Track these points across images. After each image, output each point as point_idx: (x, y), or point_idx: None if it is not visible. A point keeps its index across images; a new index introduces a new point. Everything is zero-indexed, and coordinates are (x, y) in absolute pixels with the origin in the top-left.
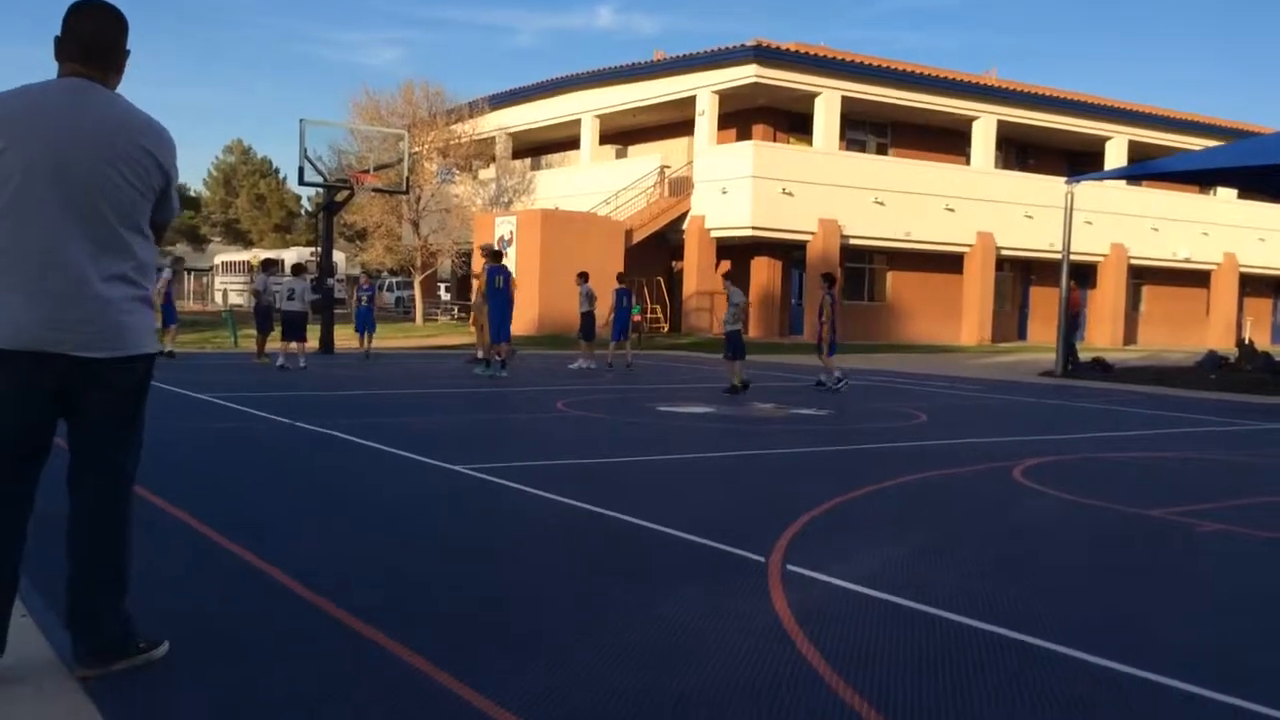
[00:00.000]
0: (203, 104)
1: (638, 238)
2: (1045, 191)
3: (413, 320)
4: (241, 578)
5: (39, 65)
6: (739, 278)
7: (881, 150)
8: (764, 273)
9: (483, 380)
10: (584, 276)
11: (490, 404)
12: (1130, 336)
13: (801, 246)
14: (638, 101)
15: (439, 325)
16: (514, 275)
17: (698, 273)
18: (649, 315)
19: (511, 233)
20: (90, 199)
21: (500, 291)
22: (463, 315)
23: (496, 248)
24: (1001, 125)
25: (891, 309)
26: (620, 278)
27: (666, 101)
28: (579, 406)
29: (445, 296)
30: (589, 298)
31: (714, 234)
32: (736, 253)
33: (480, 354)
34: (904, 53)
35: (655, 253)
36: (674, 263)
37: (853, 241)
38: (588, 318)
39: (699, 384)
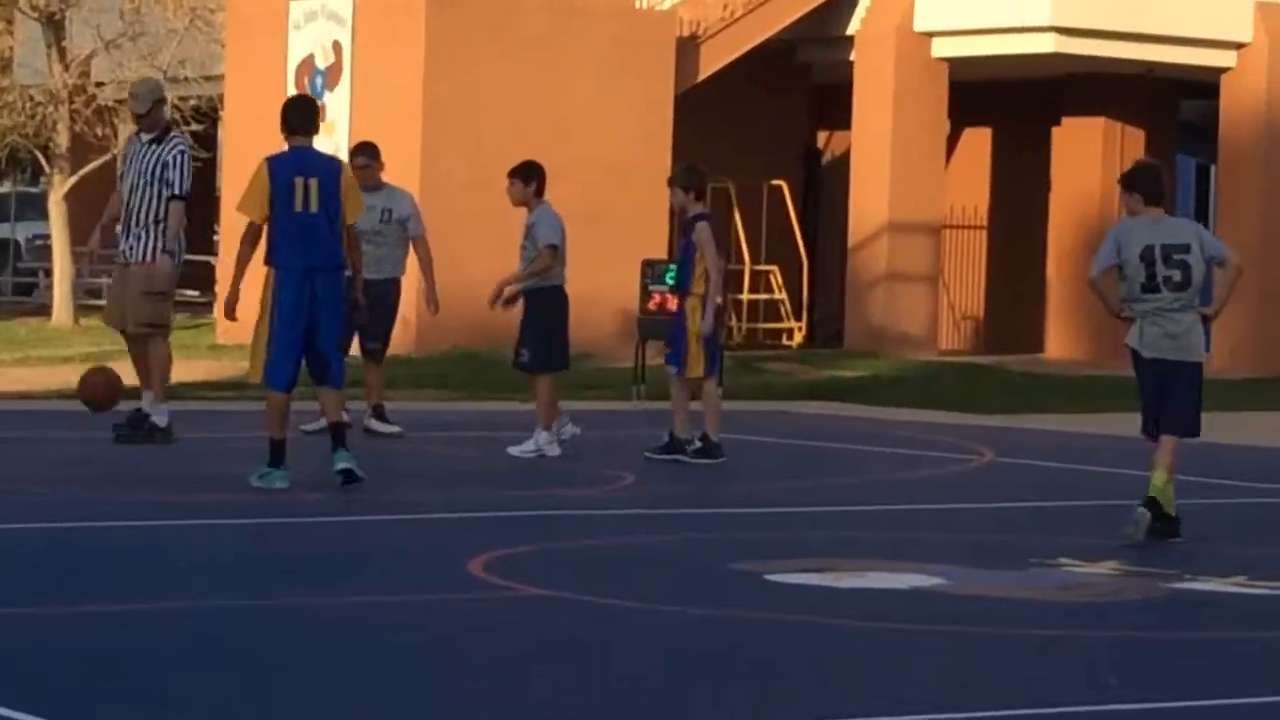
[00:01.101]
0: None
1: (712, 63)
2: None
3: (48, 315)
4: None
5: None
6: (1024, 173)
7: None
8: (1081, 161)
9: (263, 495)
10: (531, 177)
11: (273, 580)
12: None
13: (1205, 84)
14: None
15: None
16: (344, 173)
17: (891, 166)
18: (750, 295)
19: (336, 45)
20: None
21: (311, 232)
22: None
23: (301, 101)
24: None
25: None
26: (691, 179)
27: None
28: (530, 576)
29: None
30: (548, 235)
31: (940, 48)
32: (998, 104)
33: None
34: None
35: (765, 109)
36: (820, 135)
37: None
38: (541, 304)
39: (900, 495)
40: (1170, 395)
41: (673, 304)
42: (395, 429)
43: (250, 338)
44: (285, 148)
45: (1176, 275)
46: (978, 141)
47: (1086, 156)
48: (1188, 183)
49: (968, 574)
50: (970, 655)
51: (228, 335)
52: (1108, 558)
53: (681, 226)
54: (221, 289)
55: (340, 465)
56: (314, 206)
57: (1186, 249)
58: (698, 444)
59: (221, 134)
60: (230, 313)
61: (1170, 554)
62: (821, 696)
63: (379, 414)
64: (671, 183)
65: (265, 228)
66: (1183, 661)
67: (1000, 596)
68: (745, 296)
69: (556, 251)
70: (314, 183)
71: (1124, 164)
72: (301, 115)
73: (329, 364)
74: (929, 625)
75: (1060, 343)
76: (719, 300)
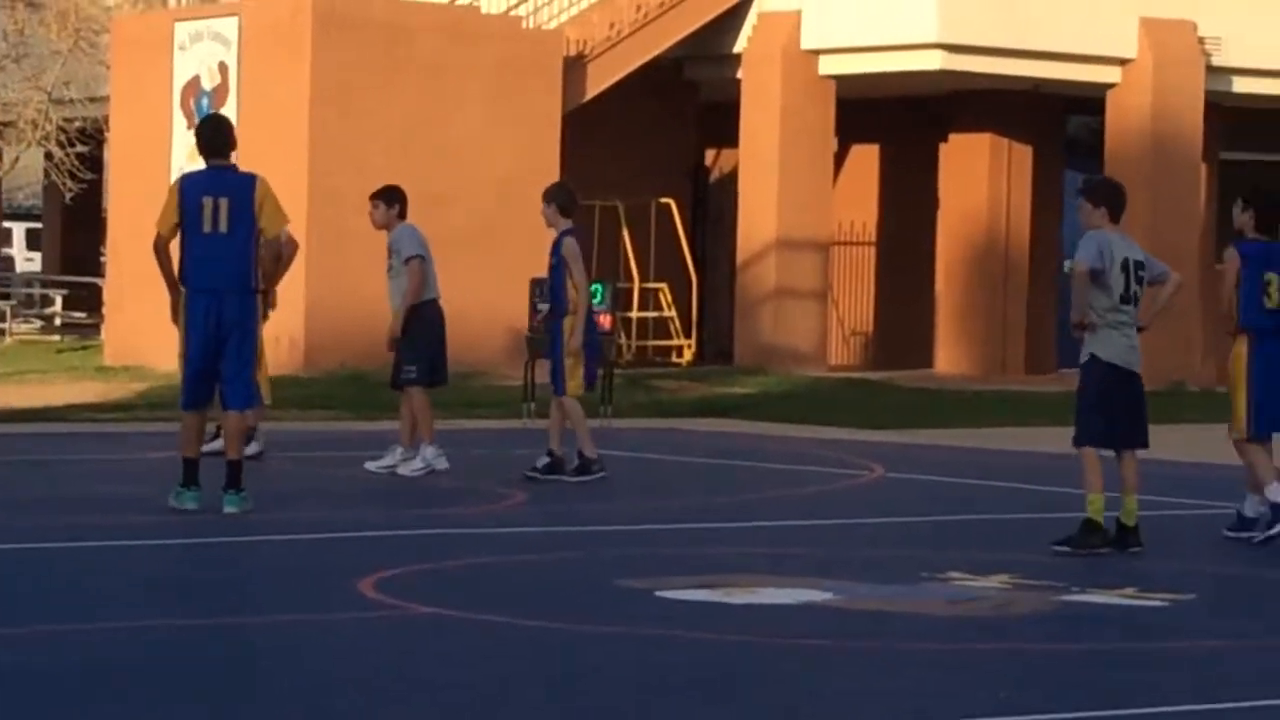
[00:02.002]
0: None
1: (600, 82)
2: None
3: None
4: None
5: None
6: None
7: None
8: (969, 177)
9: (149, 517)
10: (394, 200)
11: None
12: None
13: (1090, 100)
14: None
15: (23, 348)
16: (259, 186)
17: (779, 183)
18: (638, 313)
19: (222, 66)
20: None
21: (203, 248)
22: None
23: (213, 120)
24: None
25: None
26: (561, 197)
27: None
28: (415, 593)
29: (25, 260)
30: (411, 247)
31: (827, 66)
32: (885, 121)
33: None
34: None
35: (654, 128)
36: (708, 153)
37: (1239, 81)
38: (422, 321)
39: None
40: (1134, 408)
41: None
42: (254, 450)
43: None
44: (172, 169)
45: (1140, 291)
46: (866, 158)
47: (974, 172)
48: (1074, 199)
49: (858, 589)
50: (861, 669)
51: (116, 357)
52: (998, 571)
53: (552, 245)
54: (109, 310)
55: (227, 509)
56: (224, 227)
57: (1144, 266)
58: (575, 462)
59: (107, 155)
60: (176, 316)
61: (1062, 567)
62: (710, 712)
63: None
64: (544, 198)
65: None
66: (1071, 673)
67: (891, 611)
68: (635, 314)
69: (425, 262)
70: (224, 202)
71: (1011, 179)
72: (213, 135)
73: (232, 385)
74: (819, 640)
75: (949, 358)
76: (604, 316)
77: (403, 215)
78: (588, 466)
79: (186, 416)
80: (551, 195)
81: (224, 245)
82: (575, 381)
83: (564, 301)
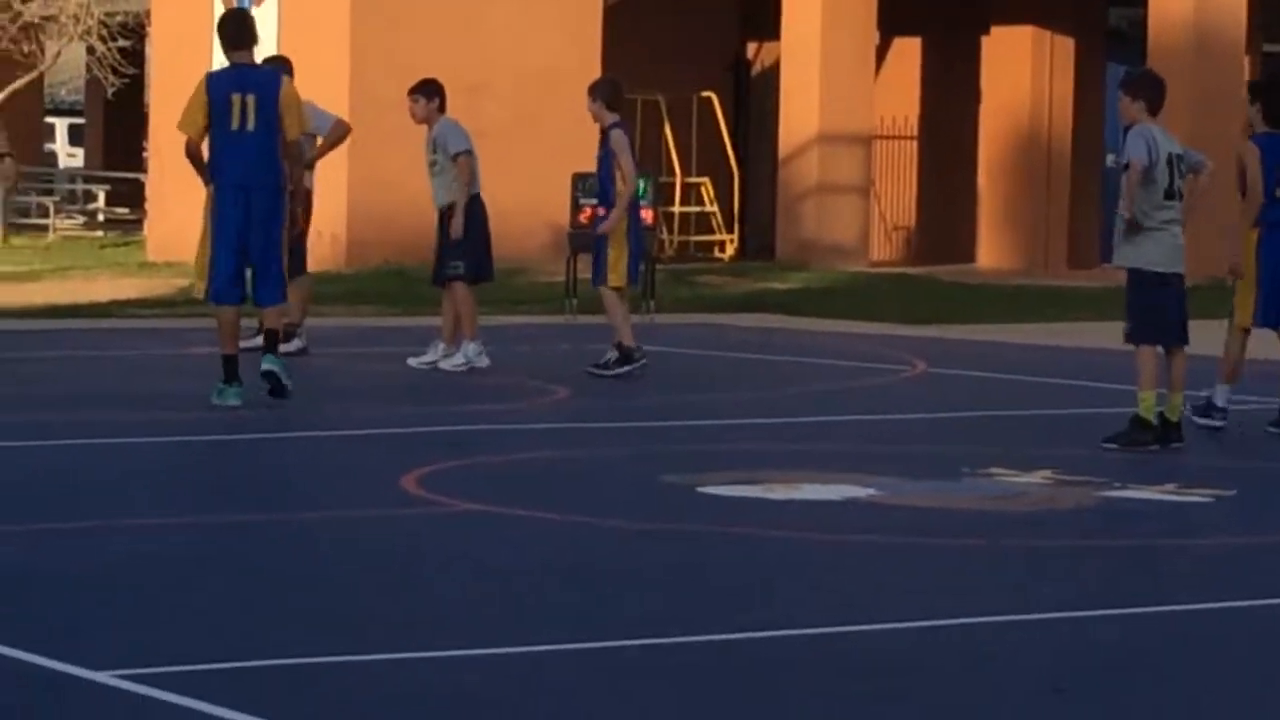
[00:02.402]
0: None
1: None
2: None
3: None
4: None
5: None
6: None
7: None
8: (1011, 70)
9: (195, 413)
10: (434, 94)
11: (193, 489)
12: None
13: None
14: None
15: (66, 244)
16: (284, 88)
17: (821, 77)
18: (680, 208)
19: None
20: None
21: (248, 153)
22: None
23: (235, 15)
24: None
25: None
26: (608, 91)
27: None
28: (459, 491)
29: (68, 156)
30: (459, 143)
31: None
32: (927, 13)
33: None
34: None
35: (695, 21)
36: (749, 46)
37: None
38: (467, 216)
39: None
40: (1180, 309)
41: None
42: (297, 346)
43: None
44: (213, 63)
45: (1181, 185)
46: (908, 51)
47: (1016, 66)
48: (1115, 92)
49: (900, 485)
50: (903, 565)
51: (158, 252)
52: (1040, 467)
53: (600, 138)
54: (152, 206)
55: (265, 366)
56: (251, 124)
57: (1183, 159)
58: (613, 354)
59: (149, 50)
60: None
61: (1104, 463)
62: (757, 606)
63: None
64: (589, 93)
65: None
66: (1112, 569)
67: (932, 506)
68: (677, 209)
69: (473, 157)
70: (251, 99)
71: (1053, 73)
72: (236, 30)
73: (263, 281)
74: (862, 535)
75: (992, 253)
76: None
77: (442, 109)
78: (629, 355)
79: (222, 312)
80: (598, 90)
81: (252, 141)
82: (617, 272)
83: (613, 194)
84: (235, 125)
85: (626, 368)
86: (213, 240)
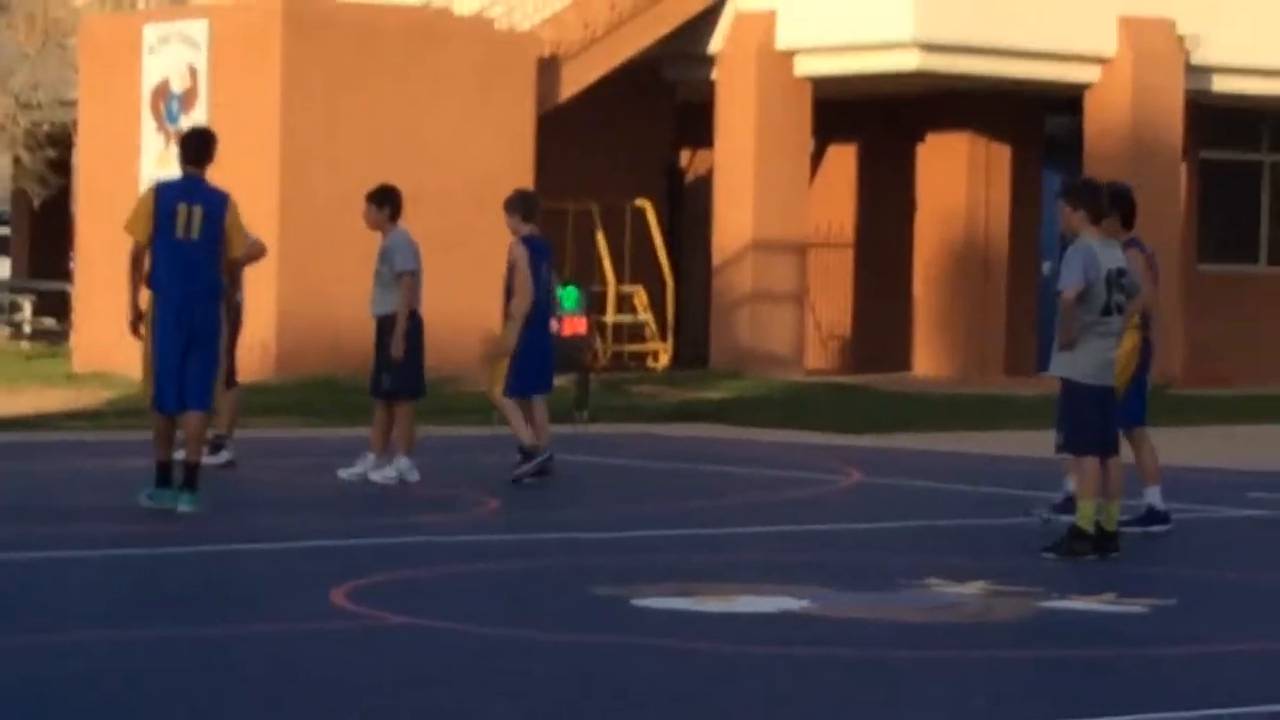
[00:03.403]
0: None
1: (575, 83)
2: None
3: None
4: None
5: None
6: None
7: None
8: (947, 178)
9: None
10: (385, 202)
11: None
12: None
13: (1069, 99)
14: None
15: (3, 356)
16: (230, 207)
17: (755, 184)
18: (613, 316)
19: (191, 69)
20: None
21: (186, 259)
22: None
23: (199, 133)
24: None
25: None
26: (522, 205)
27: None
28: (389, 604)
29: None
30: (405, 262)
31: (803, 67)
32: (862, 121)
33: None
34: None
35: (629, 129)
36: (684, 154)
37: (1219, 79)
38: (408, 334)
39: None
40: (1112, 419)
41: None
42: (226, 458)
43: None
44: (141, 174)
45: (1123, 300)
46: (843, 159)
47: (952, 173)
48: (1053, 200)
49: (836, 596)
50: (839, 677)
51: (85, 364)
52: (976, 577)
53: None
54: (78, 317)
55: (182, 508)
56: (195, 234)
57: (1125, 274)
58: (517, 458)
59: (76, 159)
60: (135, 330)
61: (1041, 573)
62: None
63: (214, 444)
64: (505, 207)
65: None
66: (1050, 680)
67: (869, 618)
68: (610, 318)
69: (416, 277)
70: (198, 211)
71: (989, 180)
72: (199, 146)
73: (194, 388)
74: (797, 648)
75: (928, 361)
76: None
77: (394, 217)
78: (530, 454)
79: (157, 419)
80: (513, 205)
81: (196, 252)
82: (501, 382)
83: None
84: (180, 235)
85: (532, 464)
86: (156, 347)
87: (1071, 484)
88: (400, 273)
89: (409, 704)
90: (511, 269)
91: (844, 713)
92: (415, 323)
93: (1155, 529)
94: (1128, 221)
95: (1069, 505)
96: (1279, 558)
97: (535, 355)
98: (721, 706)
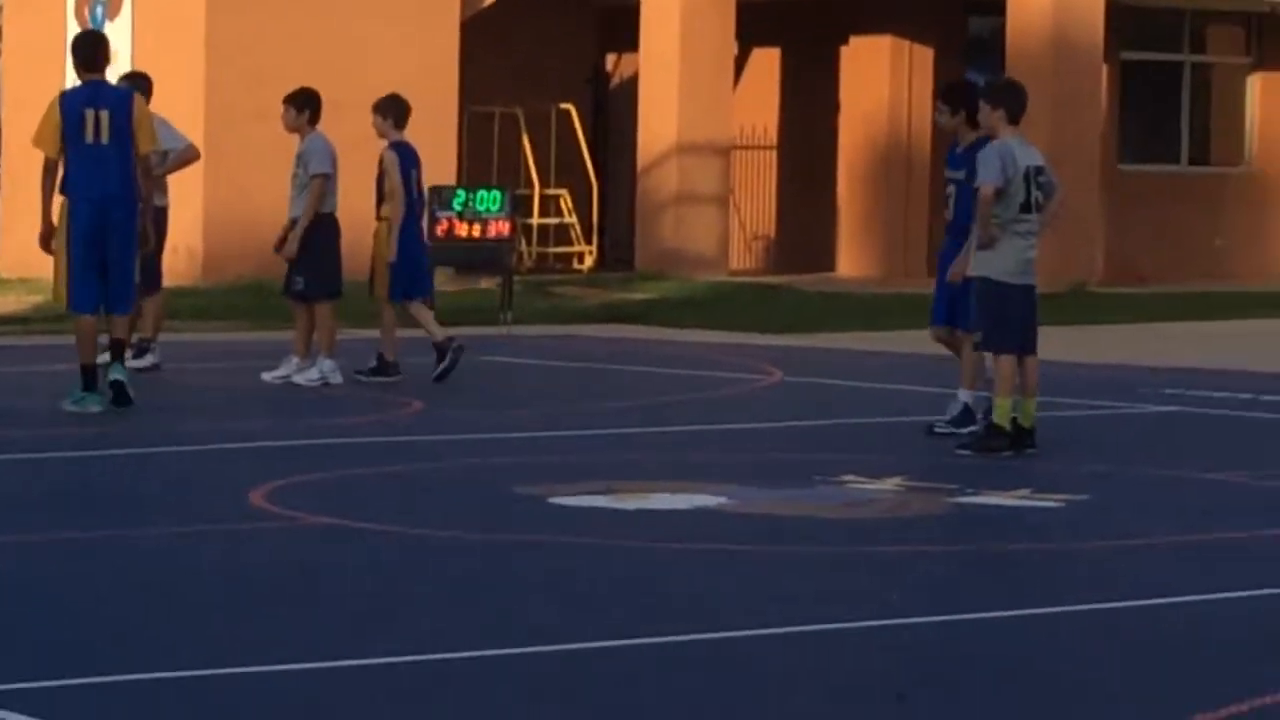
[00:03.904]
0: None
1: None
2: None
3: None
4: None
5: None
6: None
7: None
8: (870, 80)
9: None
10: (305, 105)
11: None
12: None
13: (991, 1)
14: None
15: None
16: (135, 103)
17: (679, 87)
18: (539, 219)
19: None
20: None
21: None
22: None
23: (89, 37)
24: None
25: (1266, 180)
26: (395, 110)
27: None
28: (308, 505)
29: None
30: (319, 165)
31: None
32: (785, 24)
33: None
34: None
35: (553, 33)
36: (608, 58)
37: None
38: (312, 232)
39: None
40: (1030, 318)
41: (461, 229)
42: (150, 361)
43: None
44: (66, 81)
45: (1040, 197)
46: (767, 62)
47: (875, 75)
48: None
49: (753, 493)
50: (753, 573)
51: (11, 269)
52: (893, 474)
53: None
54: (4, 222)
55: (113, 376)
56: (105, 138)
57: (1043, 171)
58: (372, 363)
59: (0, 66)
60: (46, 245)
61: (957, 469)
62: (604, 616)
63: (140, 348)
64: (376, 109)
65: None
66: (964, 574)
67: (783, 514)
68: (535, 221)
69: (329, 180)
70: (104, 115)
71: (912, 81)
72: (89, 50)
73: (116, 291)
74: (712, 544)
75: (851, 261)
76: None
77: (314, 121)
78: (385, 369)
79: (81, 322)
80: (385, 109)
81: (107, 154)
82: (381, 286)
83: (379, 207)
84: (90, 139)
85: (380, 379)
86: (70, 252)
87: (964, 396)
88: (314, 175)
89: (320, 602)
90: (382, 175)
91: (757, 607)
92: (330, 225)
93: (964, 430)
94: (974, 121)
95: (966, 418)
96: (1193, 452)
97: (410, 261)
98: (637, 601)
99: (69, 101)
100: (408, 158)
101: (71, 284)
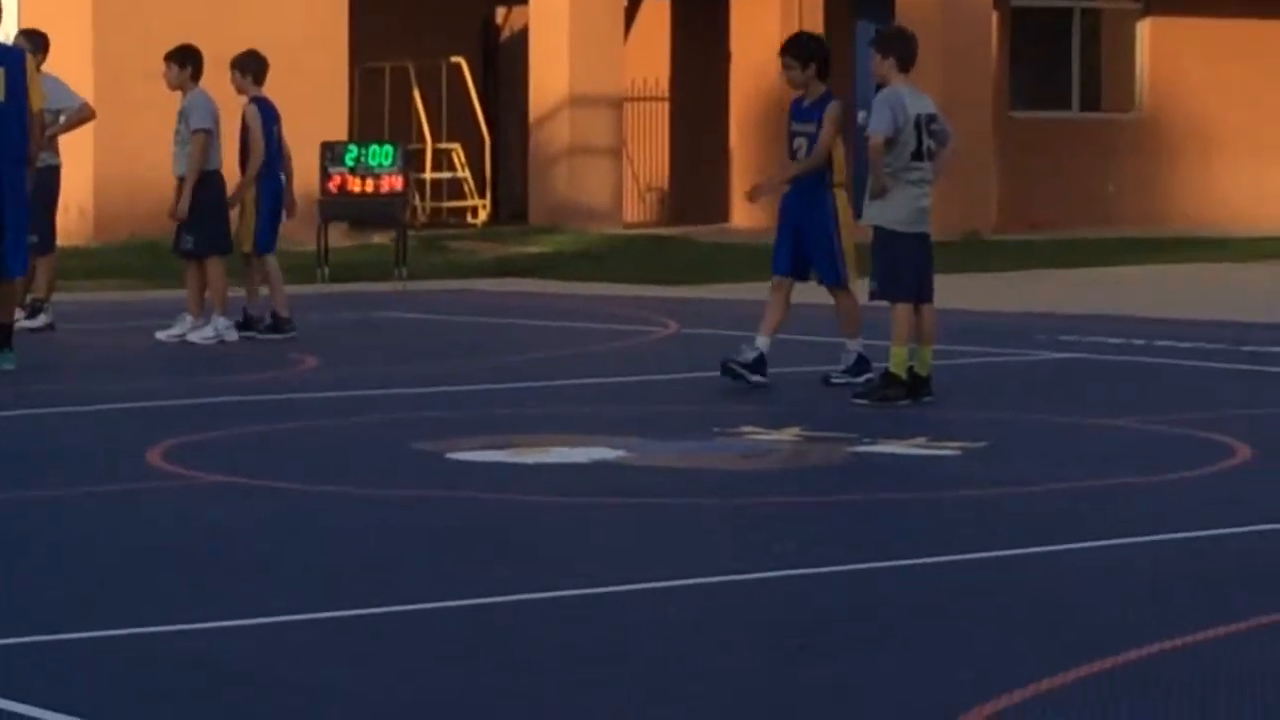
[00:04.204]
0: None
1: None
2: None
3: None
4: None
5: None
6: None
7: None
8: (759, 31)
9: None
10: (188, 62)
11: None
12: None
13: None
14: None
15: None
16: (28, 61)
17: (570, 39)
18: (431, 174)
19: None
20: None
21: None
22: None
23: None
24: None
25: (1157, 126)
26: (254, 66)
27: None
28: (205, 464)
29: None
30: (201, 120)
31: None
32: None
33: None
34: None
35: None
36: (498, 11)
37: None
38: (199, 189)
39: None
40: (926, 267)
41: (353, 184)
42: (44, 321)
43: None
44: None
45: (933, 145)
46: (657, 13)
47: (765, 27)
48: (866, 51)
49: (651, 445)
50: (653, 526)
51: None
52: (791, 424)
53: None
54: None
55: (4, 366)
56: (2, 97)
57: (936, 119)
58: (268, 320)
59: None
60: None
61: (854, 419)
62: (504, 571)
63: (33, 308)
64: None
65: None
66: (861, 523)
67: (683, 467)
68: (428, 176)
69: (211, 135)
70: (1, 74)
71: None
72: None
73: (11, 250)
74: (611, 498)
75: (745, 212)
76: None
77: (196, 77)
78: (280, 325)
79: None
80: (245, 65)
81: (4, 114)
82: (246, 240)
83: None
84: None
85: (277, 335)
86: None
87: (852, 346)
88: (195, 130)
89: (218, 560)
90: (245, 130)
91: (652, 559)
92: (216, 180)
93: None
94: (823, 74)
95: (861, 366)
96: (1088, 399)
97: (272, 214)
98: (534, 555)
99: None
100: (268, 113)
101: None
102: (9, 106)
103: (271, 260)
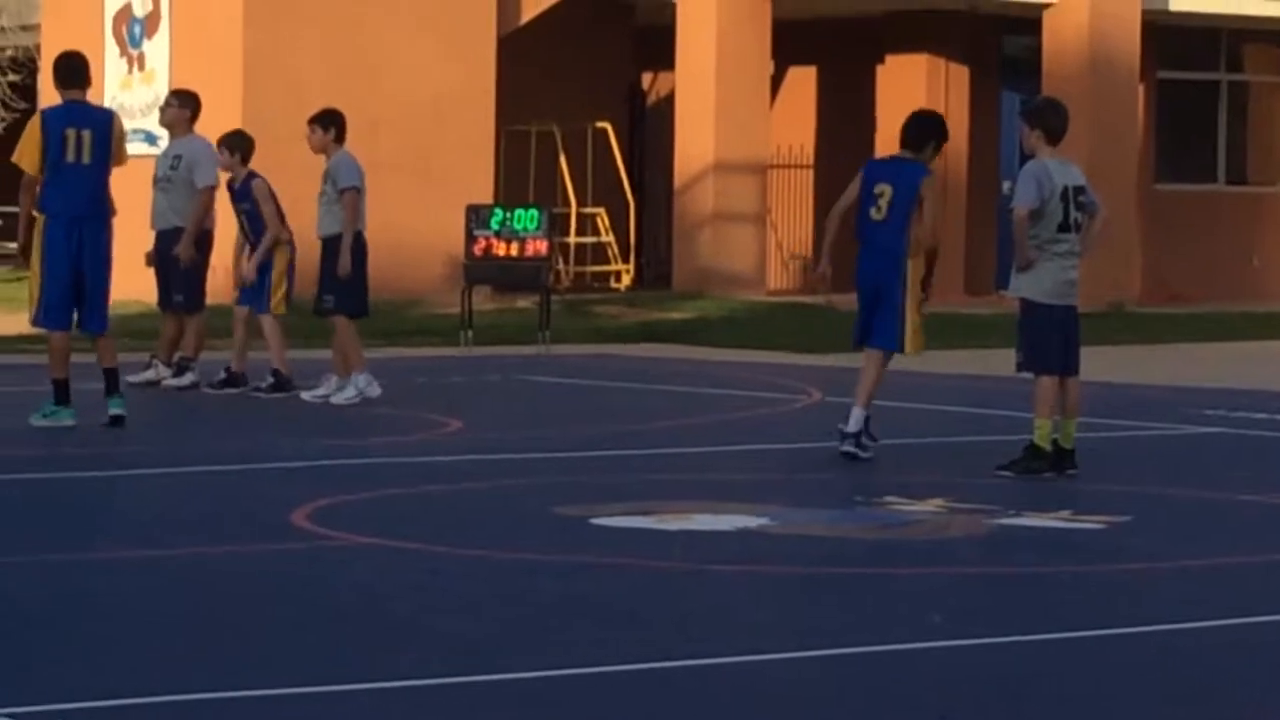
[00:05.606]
0: None
1: (535, 5)
2: None
3: None
4: None
5: None
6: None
7: None
8: (906, 99)
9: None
10: (330, 124)
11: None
12: None
13: (1027, 20)
14: None
15: None
16: (115, 122)
17: (716, 106)
18: (575, 238)
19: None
20: None
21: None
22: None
23: (70, 57)
24: None
25: None
26: (242, 146)
27: None
28: (351, 525)
29: None
30: (349, 178)
31: None
32: (822, 43)
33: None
34: None
35: (590, 51)
36: (645, 76)
37: (1176, 6)
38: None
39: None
40: (1072, 339)
41: (498, 248)
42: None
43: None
44: (105, 97)
45: (1080, 217)
46: (803, 81)
47: (910, 94)
48: (1012, 120)
49: (793, 514)
50: (794, 595)
51: None
52: (934, 495)
53: (237, 192)
54: None
55: (113, 411)
56: (86, 158)
57: (1084, 191)
58: (270, 379)
59: (40, 84)
60: (25, 256)
61: (998, 491)
62: (650, 639)
63: (180, 367)
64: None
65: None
66: (1005, 596)
67: (824, 536)
68: (572, 240)
69: (359, 194)
70: (87, 134)
71: (948, 100)
72: (68, 71)
73: (91, 309)
74: (754, 566)
75: None
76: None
77: (340, 140)
78: (283, 384)
79: (53, 337)
80: (234, 145)
81: (86, 175)
82: (276, 299)
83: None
84: (70, 158)
85: (279, 394)
86: (44, 268)
87: (857, 414)
88: (344, 189)
89: (368, 622)
90: (256, 205)
91: (796, 629)
92: (360, 242)
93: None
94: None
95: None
96: (1233, 474)
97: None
98: (676, 623)
99: (51, 120)
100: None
101: (45, 301)
102: (93, 166)
103: (269, 320)
